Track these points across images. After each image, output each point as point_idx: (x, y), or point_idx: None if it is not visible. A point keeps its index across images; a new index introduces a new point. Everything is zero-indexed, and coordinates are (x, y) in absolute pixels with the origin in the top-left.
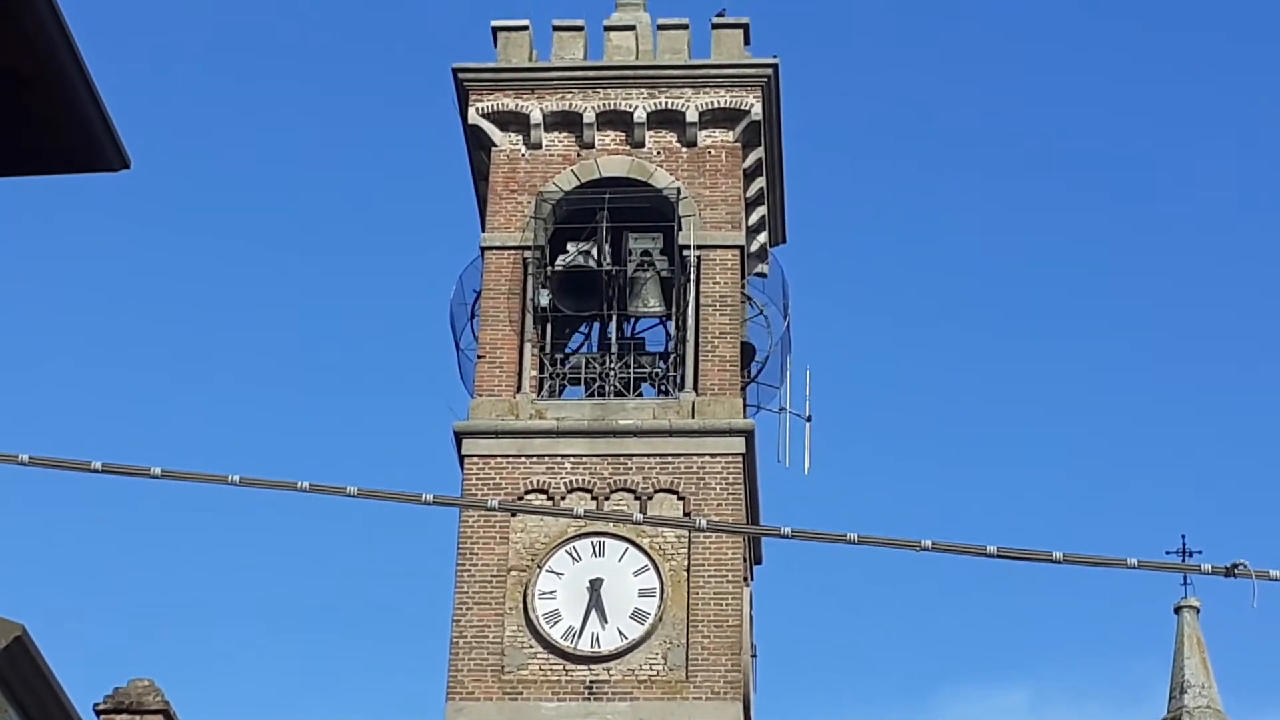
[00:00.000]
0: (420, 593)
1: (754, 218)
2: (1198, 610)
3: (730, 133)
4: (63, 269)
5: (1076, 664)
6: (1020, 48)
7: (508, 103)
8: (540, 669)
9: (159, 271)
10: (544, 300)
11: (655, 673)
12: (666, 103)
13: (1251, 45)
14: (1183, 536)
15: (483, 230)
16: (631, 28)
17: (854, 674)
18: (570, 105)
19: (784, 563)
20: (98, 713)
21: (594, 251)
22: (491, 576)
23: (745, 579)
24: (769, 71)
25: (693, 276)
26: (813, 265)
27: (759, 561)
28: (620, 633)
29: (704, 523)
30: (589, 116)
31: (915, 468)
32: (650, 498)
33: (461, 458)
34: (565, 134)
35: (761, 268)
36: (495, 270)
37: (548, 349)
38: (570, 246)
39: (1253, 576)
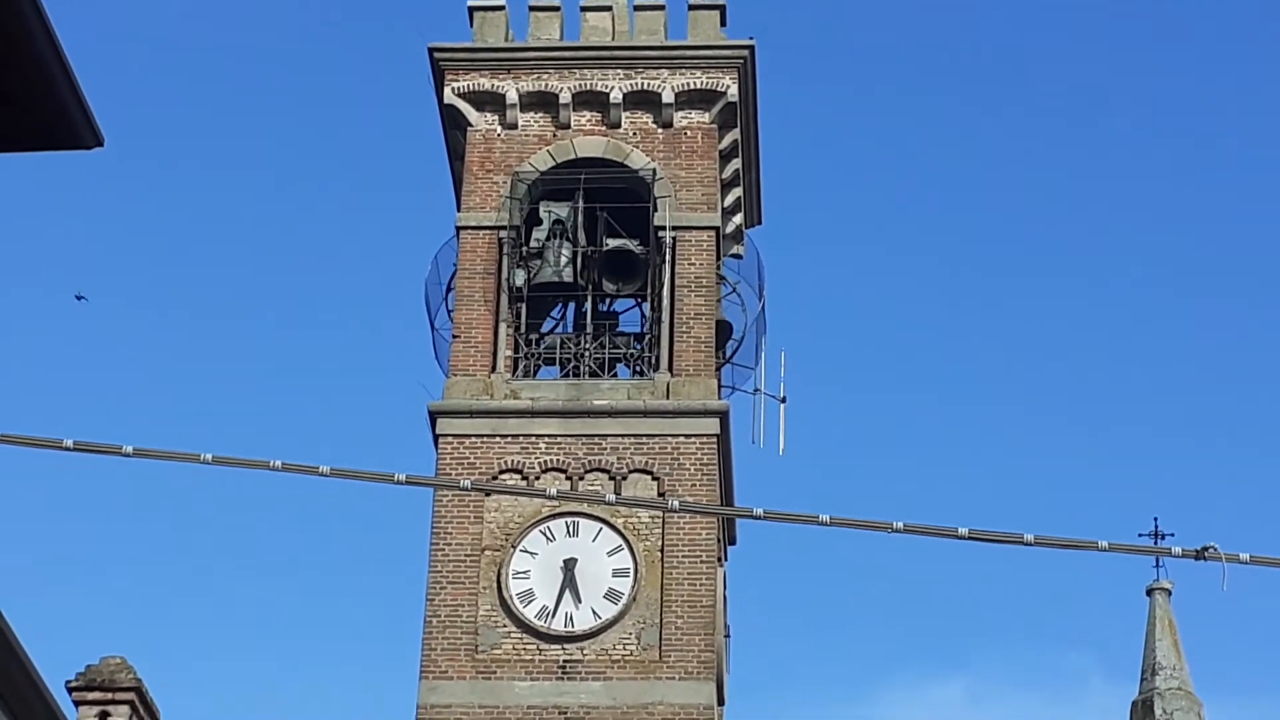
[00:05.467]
0: (394, 572)
1: (729, 199)
2: (1169, 592)
3: (706, 114)
4: (34, 247)
5: (1013, 655)
6: (998, 30)
7: (484, 82)
8: (514, 648)
9: (132, 251)
10: (519, 280)
11: (629, 652)
12: (643, 84)
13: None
14: (1155, 519)
15: (458, 210)
16: (608, 8)
17: (819, 655)
18: (546, 85)
19: (758, 544)
20: (70, 690)
21: (567, 224)
22: (465, 556)
23: (719, 559)
24: (745, 53)
25: (668, 257)
26: (788, 247)
27: (733, 542)
28: (594, 612)
29: (676, 503)
30: (565, 97)
31: (889, 450)
32: (624, 478)
33: (436, 437)
34: (541, 114)
35: (737, 249)
36: (470, 250)
37: (522, 329)
38: (544, 213)
39: (1223, 559)
